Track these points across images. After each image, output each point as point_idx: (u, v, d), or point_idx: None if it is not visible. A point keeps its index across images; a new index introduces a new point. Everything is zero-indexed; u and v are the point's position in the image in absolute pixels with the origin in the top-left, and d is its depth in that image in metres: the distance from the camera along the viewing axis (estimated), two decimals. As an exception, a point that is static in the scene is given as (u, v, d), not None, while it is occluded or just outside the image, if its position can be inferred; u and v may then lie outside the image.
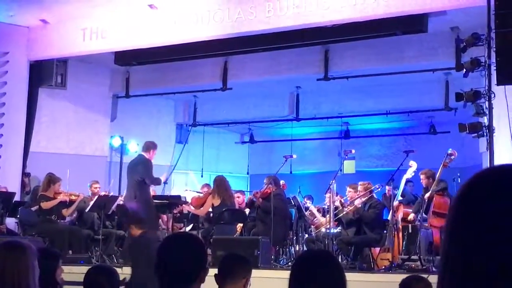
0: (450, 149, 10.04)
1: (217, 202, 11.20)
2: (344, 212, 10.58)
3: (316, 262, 2.80)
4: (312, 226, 12.14)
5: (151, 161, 11.06)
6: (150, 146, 11.17)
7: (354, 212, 10.48)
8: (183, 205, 12.02)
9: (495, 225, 1.06)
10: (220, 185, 11.39)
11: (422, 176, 10.34)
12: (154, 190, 12.17)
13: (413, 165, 10.61)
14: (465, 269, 1.07)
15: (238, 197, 12.63)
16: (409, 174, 10.67)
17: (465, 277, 1.07)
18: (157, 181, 11.30)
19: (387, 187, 11.07)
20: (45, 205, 11.06)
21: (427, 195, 9.87)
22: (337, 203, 10.67)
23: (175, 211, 11.80)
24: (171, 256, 2.77)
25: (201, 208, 11.68)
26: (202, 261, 2.80)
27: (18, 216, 11.64)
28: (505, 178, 1.11)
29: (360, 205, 10.47)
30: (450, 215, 1.13)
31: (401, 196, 11.05)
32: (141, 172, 10.78)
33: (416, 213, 10.41)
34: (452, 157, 9.94)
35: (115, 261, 10.60)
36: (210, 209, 11.47)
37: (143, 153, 11.16)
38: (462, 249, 1.08)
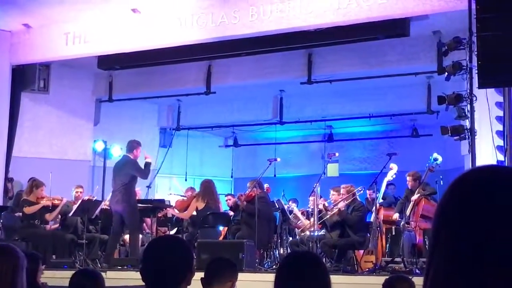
0: (435, 154, 10.12)
1: (201, 205, 11.20)
2: (328, 216, 10.62)
3: (302, 263, 2.82)
4: (296, 229, 12.17)
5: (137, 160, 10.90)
6: (134, 146, 10.91)
7: (338, 214, 10.52)
8: (167, 208, 11.99)
9: (481, 226, 1.07)
10: (207, 188, 11.38)
11: (408, 178, 10.43)
12: (139, 191, 12.15)
13: (394, 167, 10.71)
14: (451, 269, 1.09)
15: (229, 199, 12.60)
16: (389, 176, 10.76)
17: (450, 276, 1.08)
18: (148, 168, 10.90)
19: (367, 192, 11.15)
20: (28, 210, 11.00)
21: (414, 197, 9.93)
22: (321, 206, 10.71)
23: (159, 215, 11.78)
24: (157, 258, 2.78)
25: (185, 212, 11.65)
26: (189, 263, 2.81)
27: (1, 221, 11.56)
28: (490, 178, 1.12)
29: (343, 208, 10.51)
30: (436, 218, 1.15)
31: (382, 198, 11.13)
32: (129, 172, 10.59)
33: (399, 213, 10.49)
34: (438, 161, 10.04)
35: (99, 265, 10.58)
36: (195, 213, 11.46)
37: (127, 154, 10.90)
38: (448, 249, 1.10)
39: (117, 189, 10.67)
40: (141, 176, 10.80)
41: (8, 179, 12.76)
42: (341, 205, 10.50)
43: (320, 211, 10.68)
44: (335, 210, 10.53)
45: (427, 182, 10.21)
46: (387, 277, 5.12)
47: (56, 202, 11.39)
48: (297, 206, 12.64)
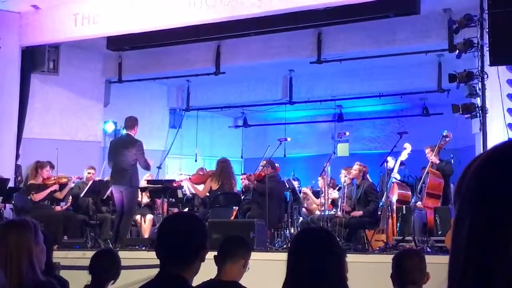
0: (446, 131, 10.08)
1: (215, 186, 11.16)
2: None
3: (315, 238, 2.83)
4: (306, 210, 12.15)
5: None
6: (134, 123, 10.71)
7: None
8: (184, 178, 11.95)
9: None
10: (223, 169, 11.26)
11: (427, 150, 10.31)
12: (151, 174, 12.17)
13: (408, 147, 10.64)
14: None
15: (244, 179, 12.57)
16: (403, 156, 10.69)
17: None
18: (148, 167, 10.81)
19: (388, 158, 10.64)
20: (35, 197, 11.11)
21: (426, 169, 9.92)
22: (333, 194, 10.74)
23: (174, 184, 11.61)
24: (172, 234, 2.79)
25: (200, 188, 11.62)
26: (203, 240, 2.81)
27: (13, 201, 11.62)
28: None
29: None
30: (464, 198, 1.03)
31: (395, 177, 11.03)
32: (136, 154, 10.44)
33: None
34: (447, 139, 10.00)
35: (110, 245, 10.63)
36: (208, 193, 11.45)
37: (129, 132, 10.71)
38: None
39: (123, 168, 10.44)
40: (142, 164, 10.53)
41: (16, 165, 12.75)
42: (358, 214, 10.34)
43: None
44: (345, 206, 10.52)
45: (447, 161, 10.15)
46: (397, 251, 5.12)
47: (63, 180, 11.45)
48: (299, 185, 12.58)
